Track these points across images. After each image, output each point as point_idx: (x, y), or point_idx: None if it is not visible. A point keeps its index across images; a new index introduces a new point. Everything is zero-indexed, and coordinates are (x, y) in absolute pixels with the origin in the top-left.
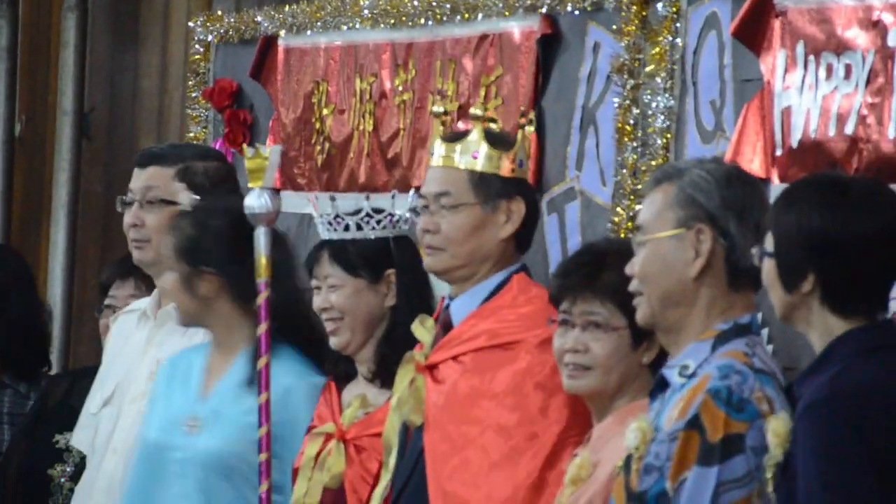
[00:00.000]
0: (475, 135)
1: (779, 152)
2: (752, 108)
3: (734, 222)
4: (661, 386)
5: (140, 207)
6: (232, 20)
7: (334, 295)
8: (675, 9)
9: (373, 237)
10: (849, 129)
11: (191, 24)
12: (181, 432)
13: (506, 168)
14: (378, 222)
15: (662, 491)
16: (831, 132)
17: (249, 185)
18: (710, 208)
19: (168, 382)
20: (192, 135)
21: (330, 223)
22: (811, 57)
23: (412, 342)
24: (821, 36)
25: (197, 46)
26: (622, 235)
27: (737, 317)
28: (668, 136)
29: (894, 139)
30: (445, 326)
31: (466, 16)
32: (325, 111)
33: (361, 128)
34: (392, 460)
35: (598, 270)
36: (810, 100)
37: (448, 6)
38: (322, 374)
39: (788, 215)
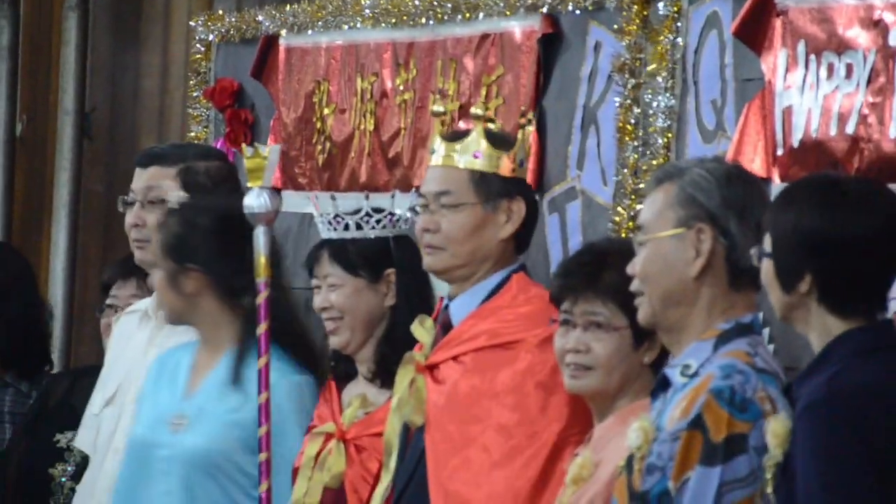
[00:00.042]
0: (476, 134)
1: (780, 152)
2: (753, 107)
3: (735, 221)
4: (663, 385)
5: (142, 207)
6: (233, 19)
7: (334, 294)
8: (676, 8)
9: (372, 236)
10: (850, 128)
11: (192, 23)
12: (167, 430)
13: (506, 168)
14: (378, 222)
15: (665, 490)
16: (832, 132)
17: (248, 184)
18: (711, 207)
19: (156, 380)
20: (193, 134)
21: (330, 222)
22: (812, 56)
23: (412, 342)
24: (822, 35)
25: (198, 46)
26: (623, 235)
27: (738, 316)
28: (670, 135)
29: (895, 139)
30: (445, 327)
31: (467, 15)
32: (326, 110)
33: (362, 127)
34: (393, 461)
35: (600, 270)
36: (811, 99)
37: (449, 5)
38: (304, 372)
39: (785, 216)
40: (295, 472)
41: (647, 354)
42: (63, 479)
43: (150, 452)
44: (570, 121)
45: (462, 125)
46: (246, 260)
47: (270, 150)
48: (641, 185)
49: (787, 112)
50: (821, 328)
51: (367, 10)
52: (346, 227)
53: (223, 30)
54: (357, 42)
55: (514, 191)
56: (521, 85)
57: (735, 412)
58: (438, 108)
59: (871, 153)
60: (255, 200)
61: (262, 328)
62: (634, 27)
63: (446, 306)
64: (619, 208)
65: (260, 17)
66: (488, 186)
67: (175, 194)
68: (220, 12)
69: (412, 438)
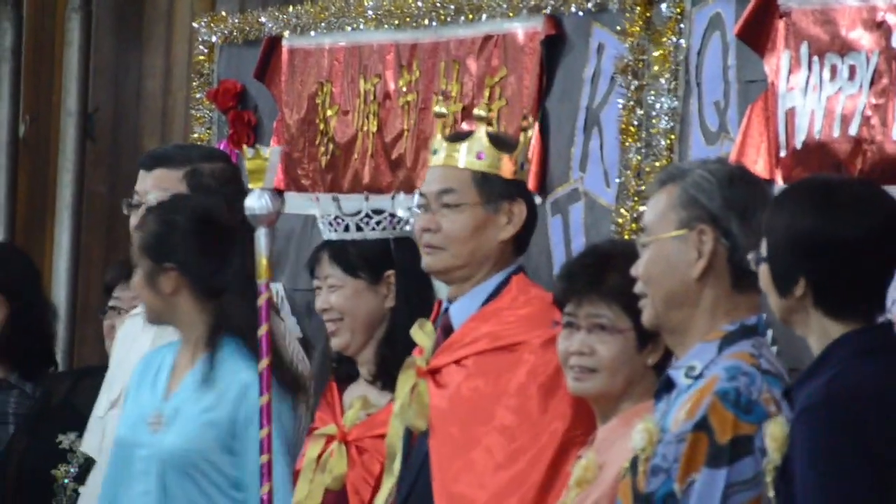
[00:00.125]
0: (479, 135)
1: (783, 153)
2: (756, 109)
3: (737, 223)
4: (667, 386)
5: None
6: (236, 21)
7: (334, 296)
8: (678, 10)
9: (372, 238)
10: (853, 130)
11: (195, 24)
12: (146, 430)
13: (508, 169)
14: (378, 223)
15: (670, 492)
16: (835, 133)
17: (250, 185)
18: (712, 209)
19: (140, 380)
20: (196, 136)
21: (331, 224)
22: (815, 58)
23: (412, 344)
24: (825, 37)
25: (201, 47)
26: (626, 237)
27: (743, 318)
28: (672, 137)
29: None
30: (446, 330)
31: (470, 17)
32: (329, 112)
33: (365, 129)
34: (396, 466)
35: (603, 272)
36: (814, 101)
37: (452, 7)
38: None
39: (779, 219)
40: (296, 474)
41: (651, 356)
42: (66, 481)
43: (131, 452)
44: (572, 122)
45: (465, 126)
46: (224, 260)
47: (271, 152)
48: (644, 187)
49: (790, 114)
50: (819, 331)
51: (370, 12)
52: (347, 229)
53: (226, 31)
54: (360, 43)
55: (515, 193)
56: (524, 86)
57: (740, 414)
58: (441, 109)
59: (874, 155)
60: (256, 202)
61: (262, 329)
62: (637, 29)
63: (446, 309)
64: (622, 210)
65: (263, 19)
66: (490, 187)
67: (154, 196)
68: (223, 14)
69: (415, 443)
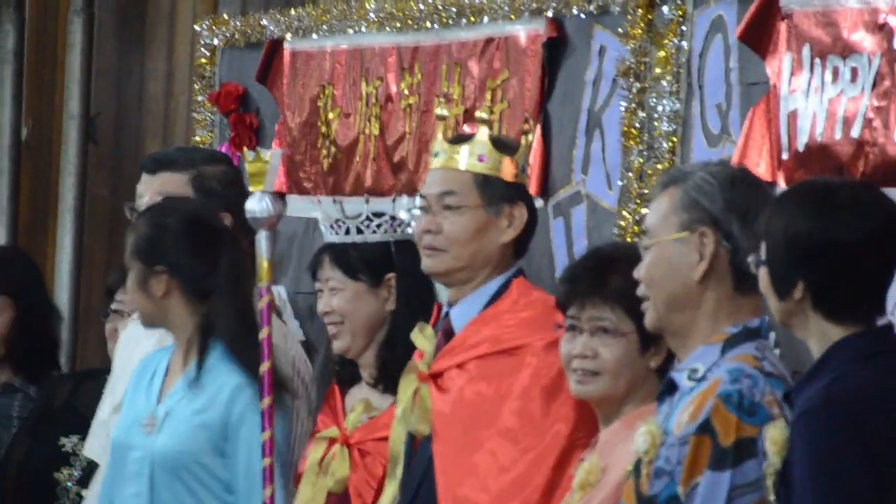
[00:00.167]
0: (481, 138)
1: (785, 156)
2: (758, 111)
3: (738, 225)
4: (670, 389)
5: None
6: (238, 24)
7: (335, 299)
8: (680, 12)
9: (372, 241)
10: (855, 132)
11: (197, 27)
12: (140, 432)
13: (509, 172)
14: (378, 226)
15: (673, 495)
16: (837, 135)
17: (250, 188)
18: (714, 211)
19: (136, 383)
20: (198, 138)
21: (332, 226)
22: (817, 60)
23: (412, 347)
24: (827, 39)
25: (203, 50)
26: (628, 239)
27: (745, 320)
28: (674, 139)
29: None
30: (447, 334)
31: (472, 19)
32: (330, 115)
33: (367, 131)
34: (399, 470)
35: (606, 275)
36: (816, 103)
37: (454, 10)
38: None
39: (777, 222)
40: (298, 477)
41: (654, 359)
42: (69, 484)
43: (125, 454)
44: (574, 125)
45: (467, 129)
46: (215, 262)
47: (272, 155)
48: (646, 190)
49: (793, 116)
50: (819, 334)
51: (372, 15)
52: (347, 232)
53: (228, 34)
54: (362, 46)
55: (516, 196)
56: (526, 89)
57: (744, 416)
58: (442, 111)
59: (876, 157)
60: (257, 205)
61: (264, 332)
62: (639, 31)
63: (447, 313)
64: (625, 212)
65: (265, 22)
66: (492, 190)
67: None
68: (225, 16)
69: (418, 447)
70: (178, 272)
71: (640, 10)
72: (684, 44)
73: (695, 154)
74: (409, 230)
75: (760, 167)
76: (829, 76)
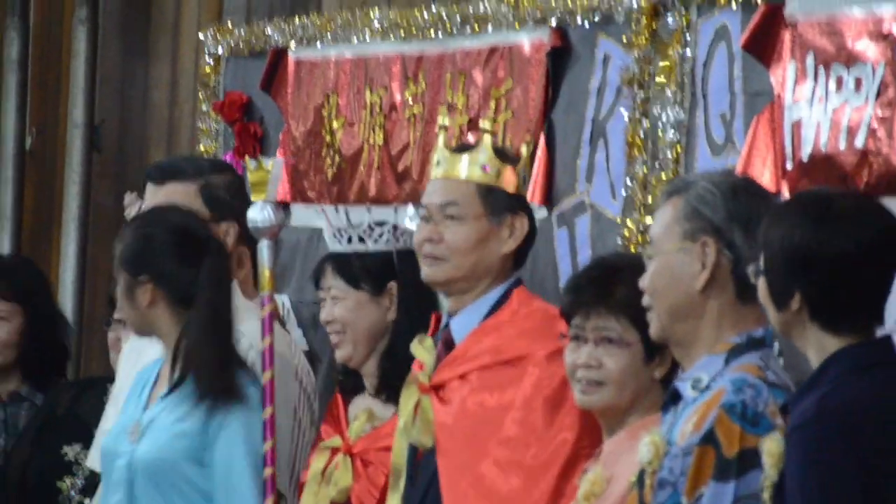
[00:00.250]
0: (484, 147)
1: (789, 165)
2: (762, 120)
3: (740, 234)
4: (674, 399)
5: None
6: (242, 32)
7: (337, 307)
8: (685, 21)
9: (374, 250)
10: (859, 142)
11: (201, 36)
12: (126, 440)
13: (511, 183)
14: (380, 235)
15: None
16: (841, 145)
17: (252, 197)
18: (716, 221)
19: (131, 393)
20: (202, 147)
21: (335, 235)
22: (821, 69)
23: (413, 357)
24: (831, 48)
25: (207, 59)
26: (632, 249)
27: (750, 329)
28: (679, 148)
29: None
30: (447, 344)
31: (476, 28)
32: (335, 124)
33: (371, 141)
34: (401, 483)
35: (611, 285)
36: (820, 112)
37: (458, 18)
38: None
39: (775, 232)
40: (301, 486)
41: (658, 369)
42: (72, 493)
43: (112, 462)
44: (578, 134)
45: (471, 138)
46: (199, 271)
47: (274, 164)
48: (650, 199)
49: (797, 125)
50: (816, 345)
51: (377, 24)
52: (350, 241)
53: (232, 43)
54: (366, 55)
55: (517, 206)
56: (530, 98)
57: (747, 426)
58: (444, 121)
59: (881, 167)
60: (258, 214)
61: (266, 342)
62: (643, 40)
63: (446, 324)
64: (629, 222)
65: (269, 31)
66: (494, 200)
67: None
68: (230, 25)
69: (422, 460)
70: (163, 281)
71: (644, 19)
72: (688, 53)
73: (699, 163)
74: (409, 240)
75: (764, 177)
76: (833, 85)
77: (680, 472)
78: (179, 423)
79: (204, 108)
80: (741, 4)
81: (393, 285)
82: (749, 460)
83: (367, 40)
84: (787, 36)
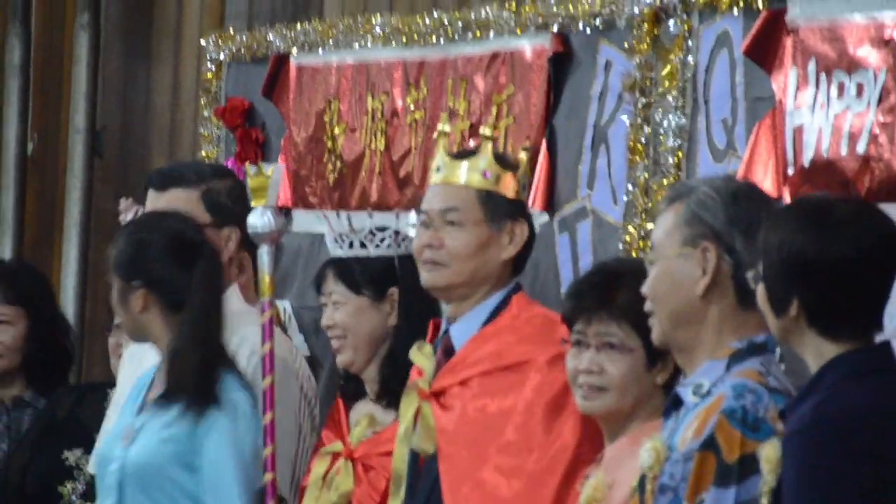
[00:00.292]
0: (485, 154)
1: (791, 171)
2: (763, 126)
3: (740, 240)
4: (675, 404)
5: None
6: (244, 38)
7: (338, 313)
8: (686, 27)
9: (375, 255)
10: (860, 147)
11: (203, 42)
12: (119, 445)
13: (511, 189)
14: (382, 240)
15: None
16: (843, 151)
17: (252, 203)
18: (716, 226)
19: (129, 397)
20: (203, 153)
21: (336, 240)
22: (823, 75)
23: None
24: (832, 54)
25: (209, 64)
26: (634, 254)
27: (751, 335)
28: (680, 154)
29: None
30: (447, 351)
31: (478, 34)
32: (336, 130)
33: (373, 146)
34: (402, 491)
35: (613, 290)
36: (822, 118)
37: (460, 24)
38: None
39: (773, 238)
40: (302, 490)
41: (660, 375)
42: (73, 498)
43: (105, 467)
44: (580, 140)
45: (472, 144)
46: (190, 276)
47: (274, 169)
48: (652, 205)
49: (798, 131)
50: (814, 351)
51: (378, 29)
52: (351, 246)
53: (234, 48)
54: (368, 61)
55: (517, 213)
56: (532, 104)
57: (748, 432)
58: (445, 127)
59: (882, 172)
60: (258, 219)
61: (266, 347)
62: (645, 46)
63: (446, 330)
64: (630, 228)
65: (271, 36)
66: (495, 206)
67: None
68: (231, 31)
69: (423, 466)
70: (155, 286)
71: (645, 25)
72: (690, 59)
73: (700, 169)
74: (410, 245)
75: (766, 182)
76: (834, 91)
77: (681, 477)
78: (167, 429)
79: (206, 113)
80: (743, 10)
81: (394, 291)
82: (750, 466)
83: (369, 46)
84: (788, 42)
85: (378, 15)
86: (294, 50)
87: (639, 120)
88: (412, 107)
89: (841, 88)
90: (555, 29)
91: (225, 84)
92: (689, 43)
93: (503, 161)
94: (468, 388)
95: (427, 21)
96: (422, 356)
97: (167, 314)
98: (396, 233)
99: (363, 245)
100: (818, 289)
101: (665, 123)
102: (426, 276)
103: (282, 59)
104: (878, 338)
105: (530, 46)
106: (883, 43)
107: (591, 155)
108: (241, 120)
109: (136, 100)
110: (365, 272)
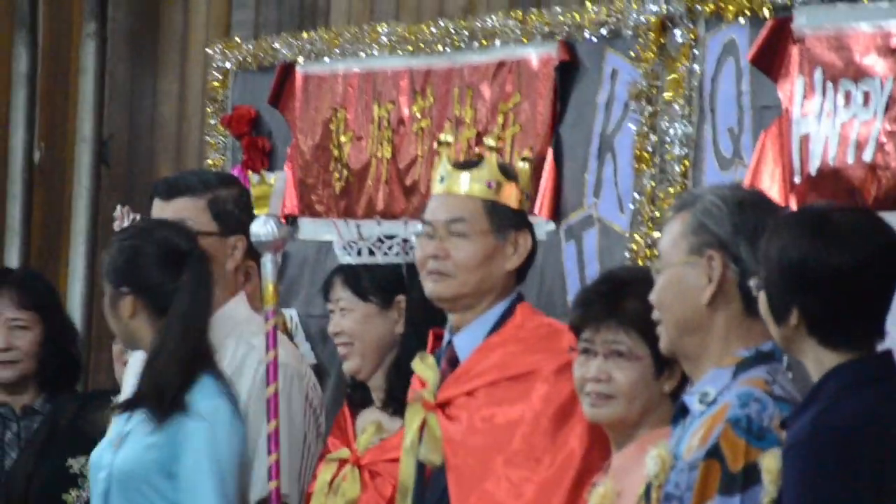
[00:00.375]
0: (490, 164)
1: (797, 180)
2: (770, 135)
3: (746, 248)
4: (682, 412)
5: None
6: (250, 47)
7: (345, 319)
8: (692, 35)
9: (383, 263)
10: (867, 156)
11: (209, 51)
12: (110, 451)
13: (515, 199)
14: (390, 248)
15: None
16: (850, 159)
17: (255, 211)
18: (721, 235)
19: None
20: (210, 162)
21: (345, 248)
22: (829, 84)
23: None
24: (839, 63)
25: (215, 73)
26: (640, 263)
27: (759, 343)
28: (686, 163)
29: None
30: (451, 361)
31: (484, 42)
32: (342, 138)
33: (379, 155)
34: (409, 503)
35: (621, 299)
36: (828, 127)
37: (466, 33)
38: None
39: (773, 248)
40: (308, 497)
41: (668, 383)
42: None
43: (97, 474)
44: (586, 148)
45: (478, 152)
46: (176, 282)
47: (277, 178)
48: (658, 213)
49: (805, 140)
50: (815, 361)
51: (384, 38)
52: (360, 253)
53: (240, 57)
54: (374, 69)
55: (521, 223)
56: (538, 112)
57: (752, 440)
58: (447, 138)
59: (889, 181)
60: (262, 228)
61: (269, 356)
62: (651, 54)
63: (449, 341)
64: (636, 236)
65: (277, 45)
66: (500, 216)
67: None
68: (238, 40)
69: (431, 477)
70: (143, 293)
71: (651, 34)
72: (696, 67)
73: (707, 177)
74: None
75: (772, 191)
76: (841, 100)
77: (686, 486)
78: (150, 436)
79: (212, 122)
80: (749, 19)
81: (401, 299)
82: (754, 475)
83: (375, 55)
84: (794, 50)
85: (384, 23)
86: (300, 58)
87: (645, 128)
88: (418, 115)
89: (847, 97)
90: (561, 37)
91: (231, 93)
92: (696, 51)
93: (507, 171)
94: (474, 399)
95: (433, 29)
96: (425, 367)
97: (155, 321)
98: (405, 241)
99: (371, 252)
100: (818, 298)
101: (671, 132)
102: (431, 287)
103: (288, 68)
104: (880, 346)
105: (536, 55)
106: (889, 51)
107: (597, 163)
108: (248, 128)
109: (143, 109)
110: (373, 279)
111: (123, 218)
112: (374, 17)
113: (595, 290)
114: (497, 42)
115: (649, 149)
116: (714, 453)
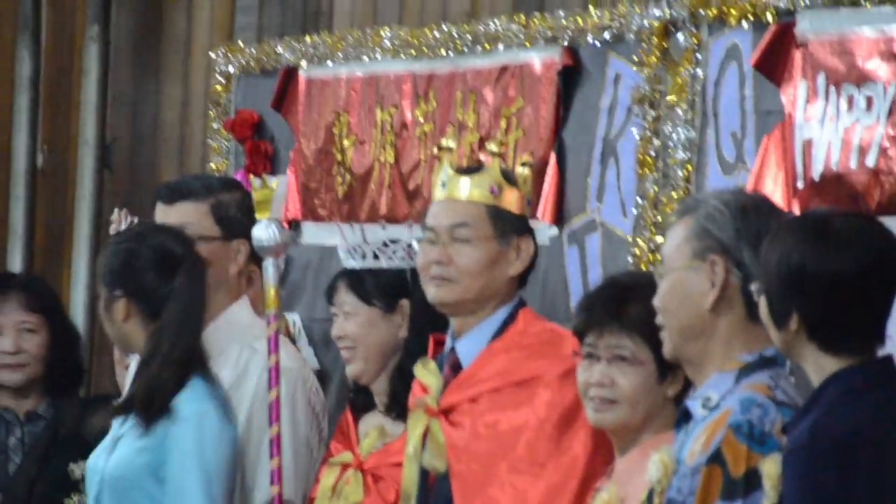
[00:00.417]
0: (493, 169)
1: (800, 185)
2: (773, 139)
3: (749, 253)
4: (685, 417)
5: None
6: (253, 51)
7: (348, 323)
8: (695, 40)
9: (387, 267)
10: (870, 161)
11: (212, 55)
12: (103, 455)
13: (518, 205)
14: (395, 252)
15: None
16: (853, 164)
17: (257, 216)
18: (724, 240)
19: None
20: (213, 166)
21: (349, 252)
22: (832, 88)
23: None
24: (842, 67)
25: (218, 77)
26: (643, 267)
27: (762, 348)
28: (689, 167)
29: None
30: (454, 367)
31: (487, 47)
32: (345, 142)
33: (382, 159)
34: None
35: (624, 303)
36: (832, 132)
37: (469, 37)
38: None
39: (773, 253)
40: (311, 501)
41: (671, 388)
42: None
43: (92, 478)
44: (589, 153)
45: (483, 158)
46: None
47: (278, 182)
48: (661, 218)
49: (808, 144)
50: (815, 366)
51: (387, 42)
52: (364, 257)
53: (243, 61)
54: (377, 74)
55: (523, 228)
56: (541, 117)
57: (754, 446)
58: (449, 143)
59: (892, 186)
60: (263, 232)
61: (271, 360)
62: (654, 59)
63: (452, 346)
64: (639, 241)
65: (280, 49)
66: (503, 222)
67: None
68: (241, 44)
69: (434, 484)
70: (136, 296)
71: (654, 38)
72: (699, 72)
73: (710, 182)
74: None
75: (775, 196)
76: (844, 105)
77: (688, 491)
78: (140, 440)
79: (215, 126)
80: (752, 24)
81: (405, 303)
82: (756, 480)
83: (378, 59)
84: (798, 55)
85: (387, 27)
86: (303, 62)
87: (648, 133)
88: (421, 119)
89: (850, 102)
90: (564, 42)
91: (234, 97)
92: (699, 56)
93: (508, 176)
94: (478, 405)
95: (436, 34)
96: (427, 372)
97: (148, 324)
98: (409, 245)
99: (376, 256)
100: (817, 303)
101: (674, 136)
102: (434, 292)
103: (291, 72)
104: (881, 352)
105: (539, 59)
106: (892, 56)
107: (600, 168)
108: (251, 132)
109: (146, 112)
110: (377, 283)
111: (121, 221)
112: (377, 21)
113: (599, 295)
114: (500, 46)
115: (652, 153)
116: (716, 458)
